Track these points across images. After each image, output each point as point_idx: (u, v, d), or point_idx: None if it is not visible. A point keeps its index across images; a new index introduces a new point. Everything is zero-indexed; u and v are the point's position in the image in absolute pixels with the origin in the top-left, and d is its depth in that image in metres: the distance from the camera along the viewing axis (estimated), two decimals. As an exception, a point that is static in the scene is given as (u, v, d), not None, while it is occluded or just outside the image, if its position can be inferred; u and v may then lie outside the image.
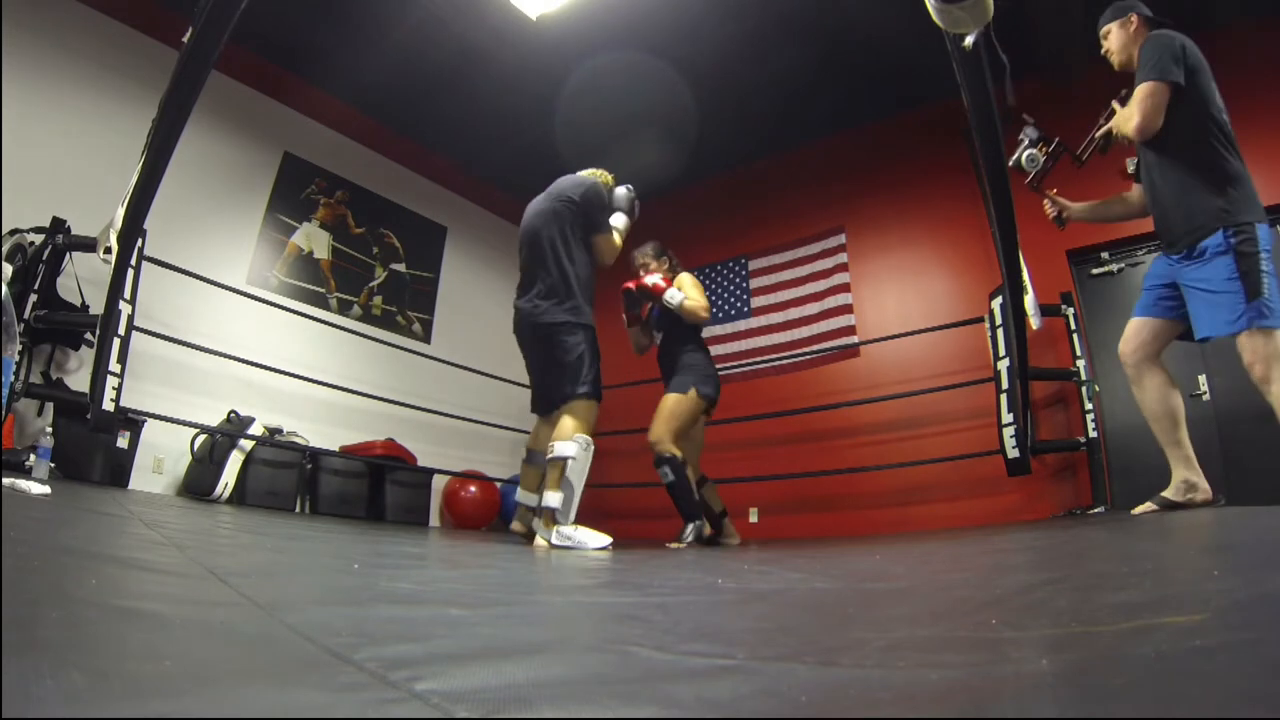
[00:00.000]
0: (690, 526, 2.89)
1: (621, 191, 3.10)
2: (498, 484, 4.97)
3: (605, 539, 2.46)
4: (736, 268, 5.48)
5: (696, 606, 0.91)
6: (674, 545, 2.81)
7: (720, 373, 5.23)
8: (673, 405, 3.08)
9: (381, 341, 4.76)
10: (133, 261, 2.86)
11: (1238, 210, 2.05)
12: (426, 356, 4.99)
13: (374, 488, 4.20)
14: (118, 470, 3.21)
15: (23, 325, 2.91)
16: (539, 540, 2.49)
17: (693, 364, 3.21)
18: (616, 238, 2.97)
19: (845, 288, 4.87)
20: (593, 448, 2.57)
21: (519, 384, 5.44)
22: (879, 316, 4.70)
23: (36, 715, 0.29)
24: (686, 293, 3.20)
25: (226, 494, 3.46)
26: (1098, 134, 2.38)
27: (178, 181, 3.04)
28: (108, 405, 2.81)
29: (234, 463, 3.51)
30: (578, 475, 2.47)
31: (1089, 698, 0.39)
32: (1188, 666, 0.43)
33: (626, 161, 5.47)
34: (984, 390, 3.76)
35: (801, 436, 4.72)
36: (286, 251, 4.48)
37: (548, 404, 2.75)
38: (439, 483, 4.78)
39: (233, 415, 3.71)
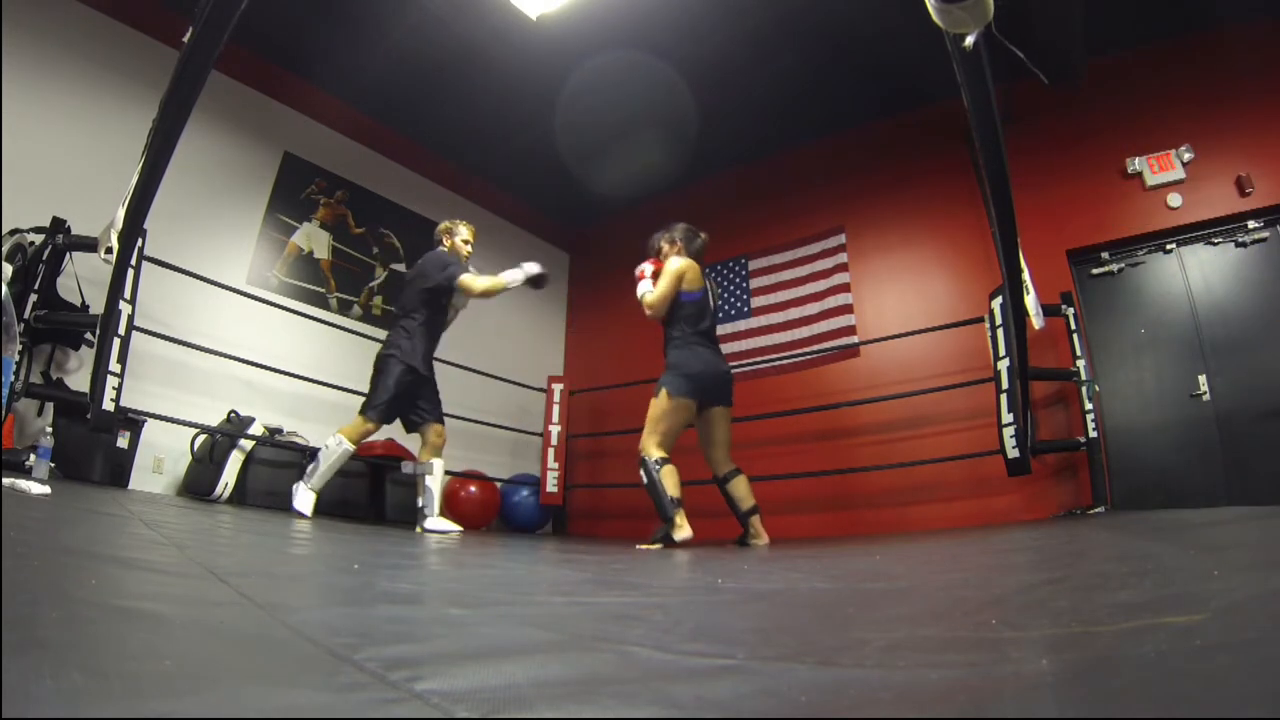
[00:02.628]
0: (661, 529, 2.88)
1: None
2: (498, 484, 4.97)
3: (307, 509, 3.03)
4: (736, 268, 5.48)
5: (696, 606, 0.91)
6: (640, 546, 2.80)
7: (720, 373, 5.32)
8: (650, 410, 3.09)
9: (382, 342, 4.74)
10: (133, 261, 2.86)
11: None
12: (426, 356, 4.98)
13: (374, 488, 4.19)
14: (118, 470, 3.20)
15: (23, 325, 2.91)
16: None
17: (668, 362, 3.16)
18: (466, 281, 3.36)
19: (845, 288, 4.87)
20: (344, 447, 3.10)
21: (519, 384, 5.46)
22: (879, 316, 4.69)
23: (36, 715, 0.29)
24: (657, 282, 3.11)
25: (226, 494, 3.45)
26: None
27: (178, 181, 3.03)
28: (108, 405, 2.81)
29: (234, 463, 3.51)
30: (324, 459, 3.11)
31: (1089, 698, 0.39)
32: (1188, 666, 0.43)
33: (626, 161, 5.49)
34: (984, 390, 3.76)
35: (801, 436, 4.72)
36: (286, 251, 4.48)
37: None
38: (439, 483, 4.78)
39: (233, 415, 3.71)
